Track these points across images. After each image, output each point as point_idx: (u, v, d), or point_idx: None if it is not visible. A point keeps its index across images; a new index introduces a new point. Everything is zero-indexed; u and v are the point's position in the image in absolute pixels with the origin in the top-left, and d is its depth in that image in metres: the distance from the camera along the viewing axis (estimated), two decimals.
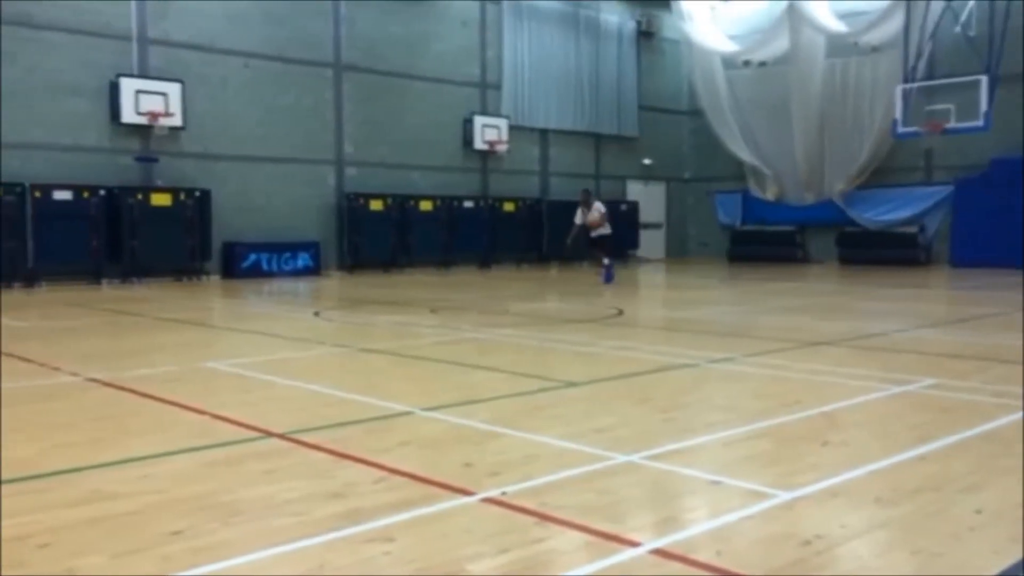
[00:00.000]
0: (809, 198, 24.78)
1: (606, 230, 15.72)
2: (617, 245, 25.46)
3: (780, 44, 24.56)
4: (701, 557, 2.95)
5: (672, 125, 28.08)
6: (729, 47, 25.76)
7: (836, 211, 23.98)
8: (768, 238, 25.45)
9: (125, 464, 4.14)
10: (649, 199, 27.43)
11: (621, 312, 11.46)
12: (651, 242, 27.37)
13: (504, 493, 3.62)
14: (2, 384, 6.39)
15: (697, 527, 3.32)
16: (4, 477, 3.92)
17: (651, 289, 17.81)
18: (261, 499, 3.59)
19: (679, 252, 28.32)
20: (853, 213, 23.76)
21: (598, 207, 15.68)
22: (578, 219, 15.93)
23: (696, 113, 27.13)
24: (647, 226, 27.05)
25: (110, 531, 3.24)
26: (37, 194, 15.93)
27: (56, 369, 6.88)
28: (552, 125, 24.88)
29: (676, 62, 27.92)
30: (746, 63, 25.77)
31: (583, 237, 16.11)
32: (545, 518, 3.32)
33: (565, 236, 16.35)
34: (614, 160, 26.72)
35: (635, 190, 27.22)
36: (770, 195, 25.78)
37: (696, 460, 4.26)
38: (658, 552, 3.00)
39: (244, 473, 4.00)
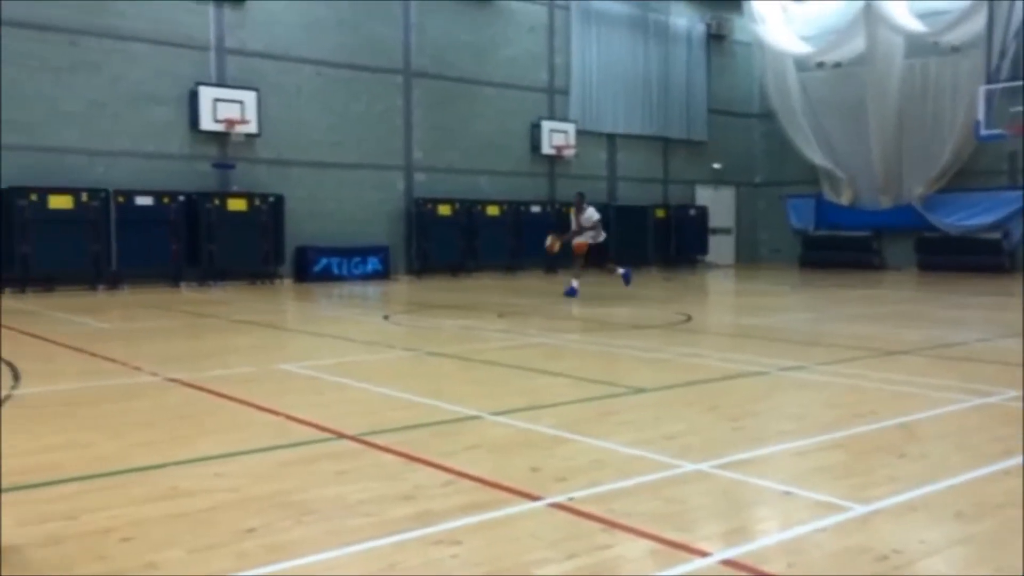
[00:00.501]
0: (886, 202, 24.11)
1: (600, 237, 14.54)
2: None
3: (856, 45, 23.98)
4: (772, 569, 2.90)
5: (743, 128, 27.66)
6: (802, 48, 25.26)
7: (915, 215, 23.27)
8: (842, 243, 24.85)
9: (202, 462, 4.26)
10: (719, 204, 27.06)
11: (689, 318, 11.33)
12: (720, 248, 26.99)
13: (571, 499, 3.62)
14: (89, 383, 6.64)
15: (768, 538, 3.26)
16: (89, 472, 4.08)
17: (720, 295, 17.57)
18: (333, 499, 3.66)
19: (749, 258, 27.86)
20: (933, 218, 23.02)
21: (591, 213, 14.44)
22: (574, 224, 14.71)
23: (767, 116, 26.66)
24: (716, 231, 26.69)
25: (188, 527, 3.34)
26: (120, 199, 16.52)
27: (137, 369, 7.12)
28: (620, 129, 24.76)
29: (747, 64, 27.50)
30: (820, 64, 25.23)
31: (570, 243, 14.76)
32: (612, 525, 3.31)
33: (554, 242, 14.90)
34: (683, 164, 26.44)
35: (704, 195, 26.88)
36: (845, 199, 25.16)
37: (767, 470, 4.18)
38: (728, 563, 2.95)
39: (317, 473, 4.08)
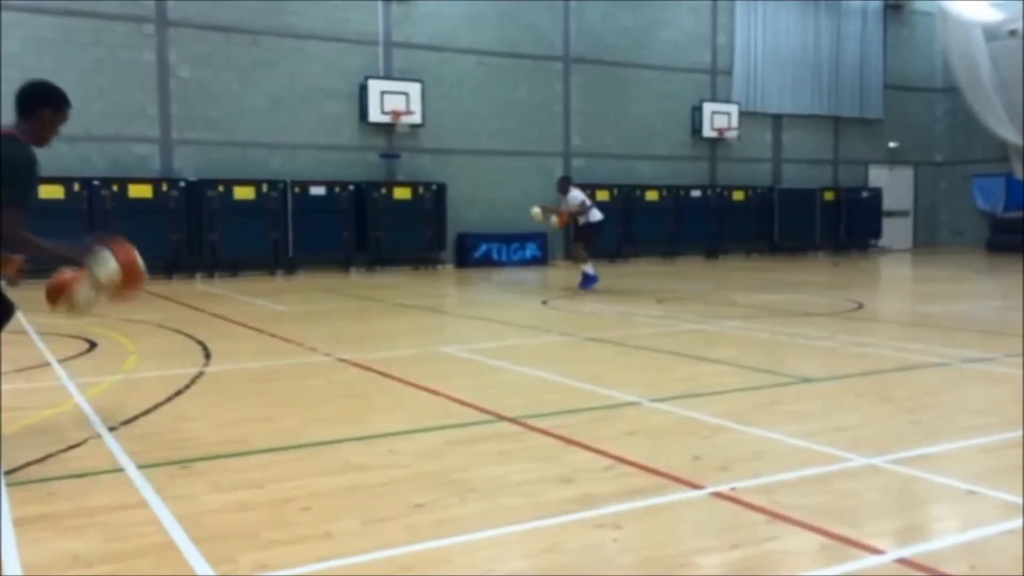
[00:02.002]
0: None
1: (595, 217, 13.61)
2: (858, 233, 24.04)
3: None
4: (952, 571, 2.74)
5: (922, 104, 25.92)
6: (991, 16, 23.32)
7: None
8: None
9: (373, 439, 4.48)
10: (895, 185, 25.52)
11: (860, 305, 10.78)
12: (896, 231, 25.47)
13: (733, 488, 3.55)
14: (270, 361, 7.10)
15: (948, 538, 3.08)
16: (273, 445, 4.38)
17: (895, 281, 16.60)
18: (495, 479, 3.76)
19: (928, 242, 26.14)
20: None
21: (576, 195, 13.59)
22: (563, 207, 13.84)
23: (951, 90, 24.86)
24: (892, 214, 25.20)
25: (361, 499, 3.53)
26: (296, 190, 17.52)
27: (312, 349, 7.55)
28: (786, 109, 23.79)
29: (929, 36, 25.71)
30: (1012, 33, 23.22)
31: (573, 227, 14.13)
32: (777, 517, 3.22)
33: (545, 215, 14.15)
34: (855, 144, 25.10)
35: (879, 176, 25.42)
36: None
37: (947, 466, 3.94)
38: (903, 562, 2.81)
39: (479, 453, 4.20)
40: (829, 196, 23.84)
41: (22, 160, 4.00)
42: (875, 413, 5.02)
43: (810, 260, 21.52)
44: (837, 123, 24.75)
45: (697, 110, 22.30)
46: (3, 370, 6.63)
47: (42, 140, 4.22)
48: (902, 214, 25.83)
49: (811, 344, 7.70)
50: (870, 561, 2.83)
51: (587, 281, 13.40)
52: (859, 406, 5.20)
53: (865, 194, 24.48)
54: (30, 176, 4.04)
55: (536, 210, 14.05)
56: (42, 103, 4.19)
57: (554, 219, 14.03)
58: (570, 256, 13.87)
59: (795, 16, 23.66)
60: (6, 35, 15.46)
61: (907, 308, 11.76)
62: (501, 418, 4.87)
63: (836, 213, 23.85)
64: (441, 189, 18.83)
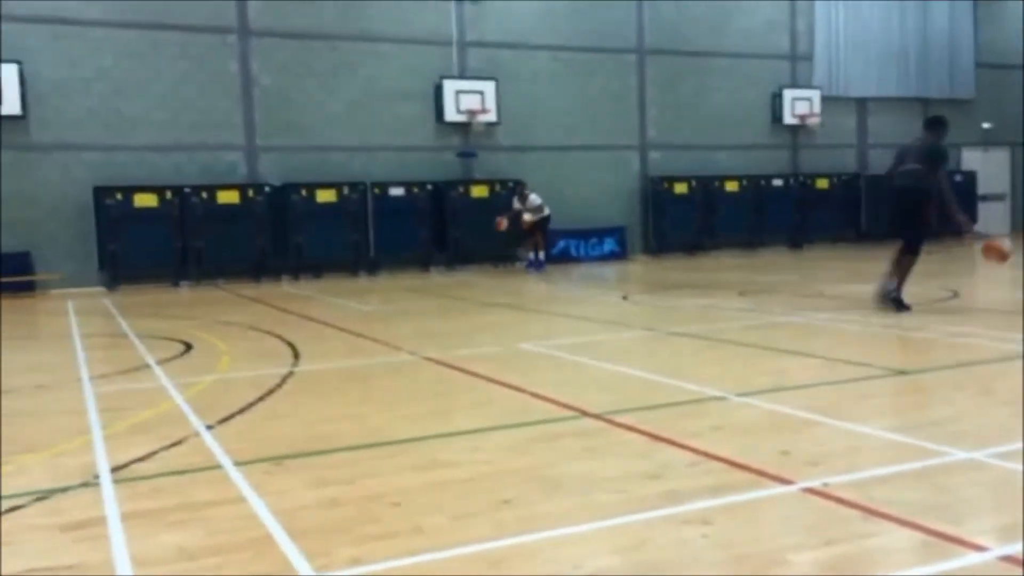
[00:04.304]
0: None
1: (546, 212, 17.12)
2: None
3: None
4: None
5: (1017, 82, 24.75)
6: None
7: None
8: None
9: (459, 436, 4.54)
10: (989, 167, 24.46)
11: (955, 294, 10.40)
12: (991, 216, 24.39)
13: (825, 484, 3.47)
14: (357, 361, 7.26)
15: None
16: (362, 442, 4.48)
17: (992, 268, 15.89)
18: (581, 475, 3.76)
19: None
20: None
21: (534, 198, 17.00)
22: (516, 205, 17.18)
23: None
24: (987, 198, 24.16)
25: (449, 495, 3.58)
26: (376, 191, 17.83)
27: (398, 348, 7.68)
28: (871, 93, 23.05)
29: (1022, 10, 24.53)
30: None
31: (519, 227, 17.26)
32: (872, 513, 3.14)
33: (501, 220, 17.11)
34: None
35: (972, 158, 24.41)
36: None
37: None
38: (1008, 559, 2.71)
39: (563, 449, 4.21)
40: None
41: (946, 150, 9.28)
42: (974, 406, 4.84)
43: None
44: (926, 105, 23.84)
45: (777, 97, 21.82)
46: (107, 372, 6.96)
47: (941, 140, 9.29)
48: (998, 198, 24.75)
49: (905, 335, 7.46)
50: (972, 559, 2.74)
51: (540, 265, 17.01)
52: (957, 399, 5.02)
53: (958, 178, 23.48)
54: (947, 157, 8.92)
55: (504, 224, 17.08)
56: (937, 124, 9.46)
57: (526, 217, 17.18)
58: (530, 247, 17.49)
59: None
60: (98, 50, 16.17)
61: (1005, 296, 11.27)
62: (585, 414, 4.87)
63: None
64: (518, 185, 18.85)
